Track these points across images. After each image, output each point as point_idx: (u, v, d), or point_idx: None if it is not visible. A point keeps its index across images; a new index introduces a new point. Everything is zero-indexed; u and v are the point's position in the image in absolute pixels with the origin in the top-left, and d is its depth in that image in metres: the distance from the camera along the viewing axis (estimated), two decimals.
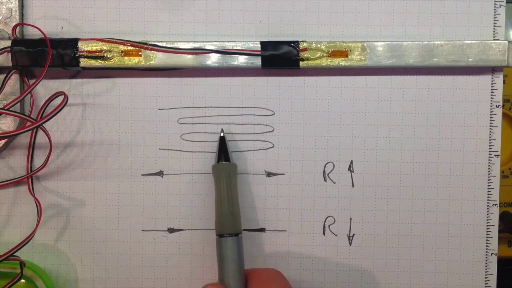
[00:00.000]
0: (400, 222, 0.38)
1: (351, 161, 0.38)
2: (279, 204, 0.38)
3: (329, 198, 0.38)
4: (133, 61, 0.36)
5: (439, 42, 0.37)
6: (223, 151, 0.37)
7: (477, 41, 0.37)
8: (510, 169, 0.50)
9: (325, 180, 0.38)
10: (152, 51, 0.36)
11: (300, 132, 0.38)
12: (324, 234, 0.39)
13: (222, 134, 0.37)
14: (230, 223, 0.35)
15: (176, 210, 0.38)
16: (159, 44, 0.36)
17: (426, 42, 0.37)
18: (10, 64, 0.36)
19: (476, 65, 0.37)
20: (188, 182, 0.38)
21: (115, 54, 0.36)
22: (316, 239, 0.38)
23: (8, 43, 0.36)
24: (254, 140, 0.38)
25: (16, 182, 0.38)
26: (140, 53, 0.36)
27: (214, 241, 0.35)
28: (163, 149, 0.38)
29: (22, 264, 0.35)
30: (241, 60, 0.36)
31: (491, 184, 0.38)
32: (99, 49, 0.36)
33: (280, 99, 0.38)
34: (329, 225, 0.39)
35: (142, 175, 0.38)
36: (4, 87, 0.37)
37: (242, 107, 0.38)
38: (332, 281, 0.38)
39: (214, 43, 0.36)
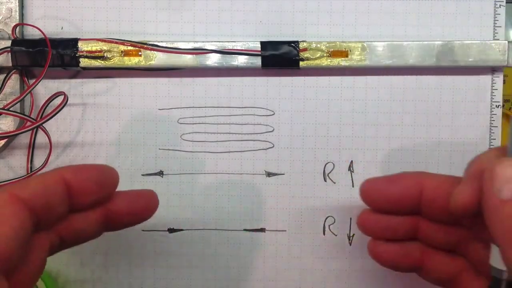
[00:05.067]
0: None
1: (351, 161, 0.38)
2: (279, 204, 0.38)
3: (329, 198, 0.38)
4: (133, 61, 0.36)
5: (439, 42, 0.37)
6: None
7: (477, 41, 0.37)
8: None
9: (325, 180, 0.38)
10: (152, 51, 0.36)
11: (300, 132, 0.38)
12: (324, 234, 0.39)
13: None
14: None
15: (176, 210, 0.38)
16: (159, 44, 0.36)
17: (426, 42, 0.37)
18: (10, 64, 0.36)
19: (476, 65, 0.37)
20: (188, 182, 0.38)
21: (115, 54, 0.36)
22: (316, 239, 0.38)
23: (8, 43, 0.36)
24: (254, 140, 0.38)
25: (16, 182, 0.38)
26: (140, 53, 0.36)
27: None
28: (163, 149, 0.38)
29: None
30: (241, 60, 0.36)
31: None
32: (99, 49, 0.36)
33: (280, 99, 0.38)
34: (329, 225, 0.39)
35: (142, 175, 0.38)
36: (4, 87, 0.37)
37: (242, 107, 0.38)
38: (332, 281, 0.38)
39: (214, 43, 0.36)
